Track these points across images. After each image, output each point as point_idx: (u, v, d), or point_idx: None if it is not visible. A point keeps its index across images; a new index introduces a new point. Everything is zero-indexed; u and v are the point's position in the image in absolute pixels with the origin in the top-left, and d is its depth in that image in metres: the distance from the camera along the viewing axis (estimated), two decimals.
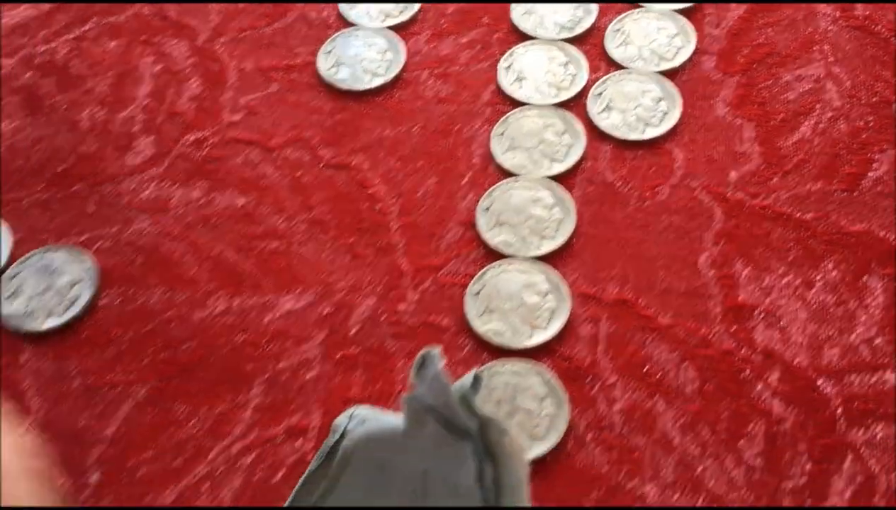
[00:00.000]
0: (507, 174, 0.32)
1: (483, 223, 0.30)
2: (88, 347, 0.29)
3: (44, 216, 0.32)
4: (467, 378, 0.21)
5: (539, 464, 0.26)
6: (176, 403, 0.28)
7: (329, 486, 0.23)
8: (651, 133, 0.32)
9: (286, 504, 0.24)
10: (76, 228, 0.31)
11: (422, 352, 0.21)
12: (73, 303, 0.29)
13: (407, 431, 0.23)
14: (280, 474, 0.26)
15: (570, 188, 0.31)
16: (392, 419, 0.23)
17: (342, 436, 0.23)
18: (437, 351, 0.21)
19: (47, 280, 0.30)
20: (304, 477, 0.24)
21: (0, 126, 0.34)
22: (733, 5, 0.35)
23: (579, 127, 0.32)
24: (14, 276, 0.30)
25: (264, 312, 0.29)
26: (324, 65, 0.35)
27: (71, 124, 0.34)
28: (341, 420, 0.24)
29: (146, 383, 0.28)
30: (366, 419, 0.24)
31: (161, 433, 0.27)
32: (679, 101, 0.33)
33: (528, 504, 0.21)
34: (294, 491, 0.24)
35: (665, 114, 0.32)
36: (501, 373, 0.28)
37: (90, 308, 0.30)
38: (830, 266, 0.29)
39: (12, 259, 0.31)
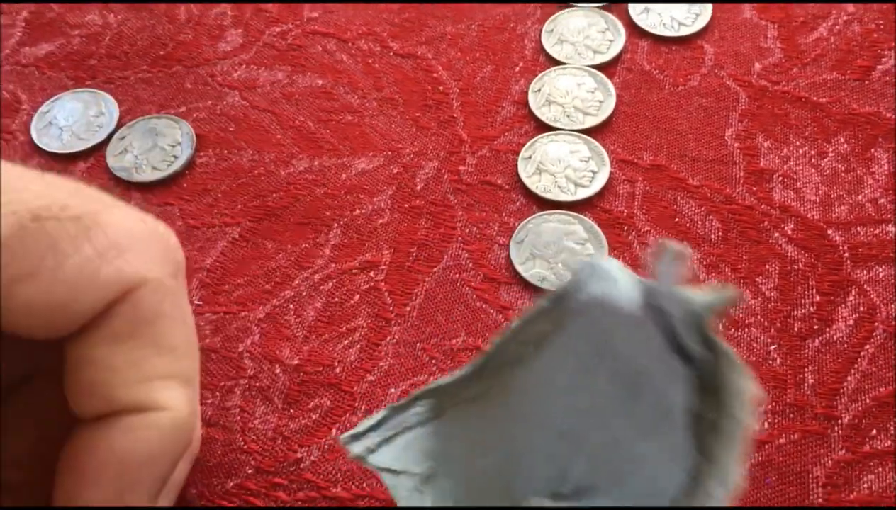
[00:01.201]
0: (555, 63, 0.36)
1: (533, 102, 0.34)
2: (188, 195, 0.33)
3: (147, 91, 0.36)
4: (708, 296, 0.17)
5: None
6: (265, 240, 0.32)
7: (553, 330, 0.21)
8: (684, 31, 0.36)
9: (505, 334, 0.21)
10: (175, 101, 0.36)
11: (672, 247, 0.18)
12: (174, 159, 0.34)
13: (638, 319, 0.19)
14: (356, 298, 0.30)
15: (610, 76, 0.35)
16: (630, 288, 0.19)
17: (574, 285, 0.20)
18: (684, 250, 0.18)
19: (152, 140, 0.34)
20: (533, 312, 0.20)
21: (109, 18, 0.38)
22: None
23: (620, 25, 0.36)
24: (123, 138, 0.35)
25: (341, 171, 0.33)
26: None
27: (170, 17, 0.38)
28: (581, 267, 0.20)
29: (238, 225, 0.32)
30: (606, 278, 0.20)
31: (252, 264, 0.31)
32: (710, 6, 0.36)
33: (741, 458, 0.17)
34: (520, 321, 0.21)
35: (697, 16, 0.36)
36: (550, 220, 0.32)
37: (189, 164, 0.34)
38: (842, 140, 0.33)
39: (120, 124, 0.35)
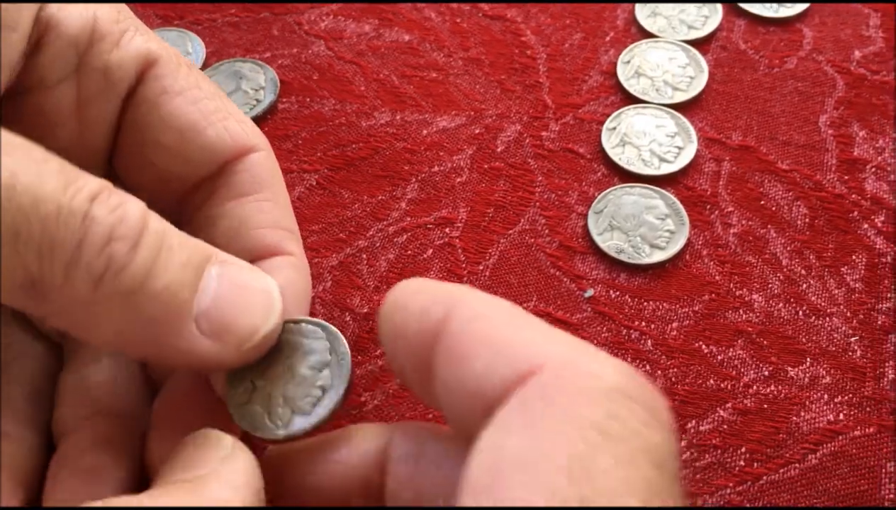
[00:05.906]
0: (647, 36, 0.35)
1: (622, 73, 0.34)
2: (269, 139, 0.33)
3: (234, 34, 0.36)
4: None
5: (659, 269, 0.29)
6: (342, 189, 0.32)
7: None
8: (784, 12, 0.35)
9: None
10: (261, 46, 0.36)
11: None
12: (257, 103, 0.34)
13: None
14: (429, 252, 0.30)
15: (704, 52, 0.34)
16: None
17: None
18: None
19: (235, 83, 0.34)
20: None
21: None
22: None
23: (717, 3, 0.35)
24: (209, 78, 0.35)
25: (422, 127, 0.33)
26: None
27: None
28: None
29: (317, 172, 0.32)
30: None
31: (328, 212, 0.31)
32: None
33: None
34: None
35: None
36: (631, 193, 0.31)
37: (271, 109, 0.34)
38: None
39: (206, 65, 0.35)
